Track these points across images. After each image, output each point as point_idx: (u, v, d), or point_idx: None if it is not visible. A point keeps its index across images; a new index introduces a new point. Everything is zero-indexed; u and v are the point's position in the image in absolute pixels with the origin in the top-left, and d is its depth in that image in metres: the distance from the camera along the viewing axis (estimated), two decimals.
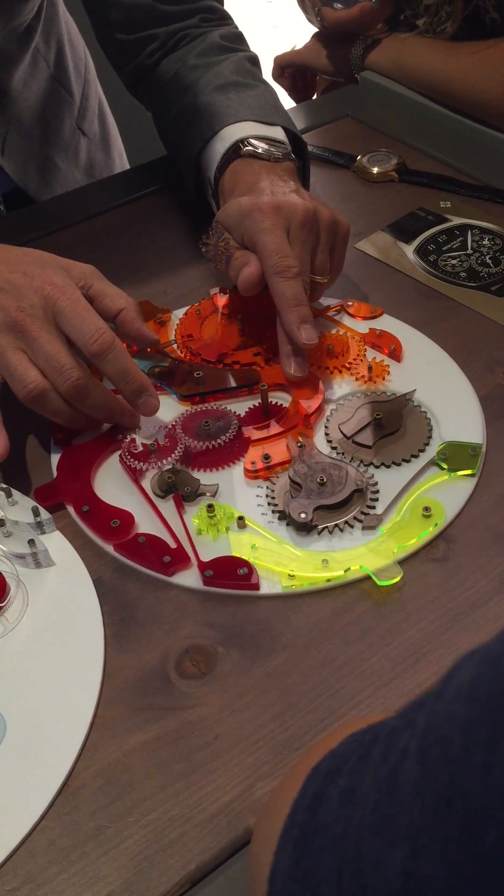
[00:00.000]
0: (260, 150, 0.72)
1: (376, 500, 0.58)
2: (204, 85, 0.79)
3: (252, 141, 0.72)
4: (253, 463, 0.60)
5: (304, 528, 0.57)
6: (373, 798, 0.28)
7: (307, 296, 0.63)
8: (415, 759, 0.27)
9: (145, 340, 0.65)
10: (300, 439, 0.61)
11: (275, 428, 0.63)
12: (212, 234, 0.67)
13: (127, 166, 1.15)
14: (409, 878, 0.26)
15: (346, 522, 0.57)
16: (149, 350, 0.69)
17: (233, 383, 0.66)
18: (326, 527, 0.57)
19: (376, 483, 0.59)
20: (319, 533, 0.57)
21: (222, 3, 0.88)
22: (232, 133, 0.74)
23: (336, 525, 0.57)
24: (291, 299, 0.62)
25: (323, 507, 0.57)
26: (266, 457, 0.60)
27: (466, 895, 0.24)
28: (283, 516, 0.58)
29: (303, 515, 0.56)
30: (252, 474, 0.60)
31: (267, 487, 0.60)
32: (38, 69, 0.96)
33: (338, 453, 0.62)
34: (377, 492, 0.59)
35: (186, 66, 0.81)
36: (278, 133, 0.75)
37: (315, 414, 0.64)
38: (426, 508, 0.57)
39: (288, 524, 0.57)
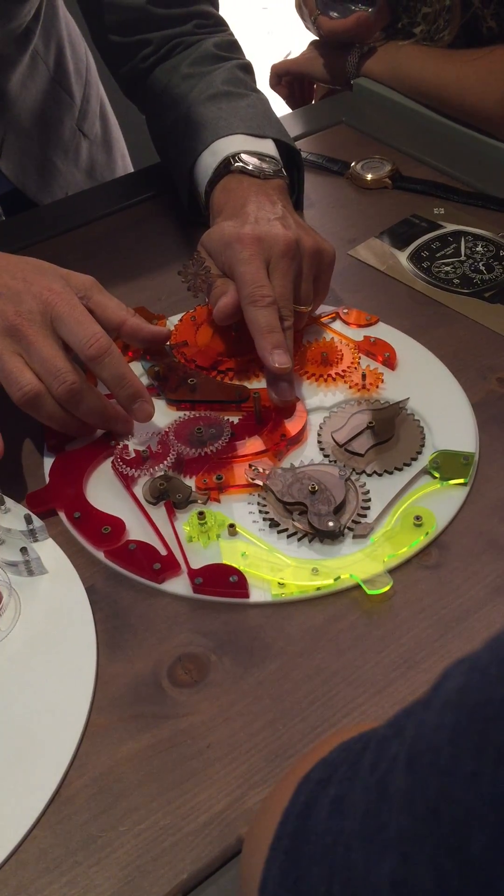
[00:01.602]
0: (251, 167, 0.72)
1: (368, 508, 0.58)
2: (196, 95, 0.79)
3: (243, 157, 0.73)
4: (204, 481, 0.60)
5: (334, 536, 0.57)
6: (362, 807, 0.28)
7: (287, 324, 0.64)
8: (404, 767, 0.27)
9: (159, 338, 0.66)
10: (258, 468, 0.60)
11: (259, 444, 0.62)
12: (191, 264, 0.68)
13: (129, 167, 1.14)
14: (398, 886, 0.26)
15: (358, 514, 0.57)
16: (147, 357, 0.69)
17: (223, 396, 0.66)
18: (348, 527, 0.57)
19: (368, 491, 0.59)
20: (344, 535, 0.57)
21: (217, 9, 0.88)
22: (223, 147, 0.74)
23: (352, 520, 0.57)
24: (264, 326, 0.62)
25: (335, 508, 0.57)
26: (218, 476, 0.60)
27: None
28: (306, 535, 0.57)
29: (331, 524, 0.56)
30: (202, 492, 0.60)
31: (259, 496, 0.60)
32: (37, 71, 0.96)
33: (330, 461, 0.62)
34: (369, 500, 0.59)
35: (179, 75, 0.81)
36: (269, 147, 0.76)
37: (296, 436, 0.63)
38: (417, 517, 0.57)
39: (311, 540, 0.57)
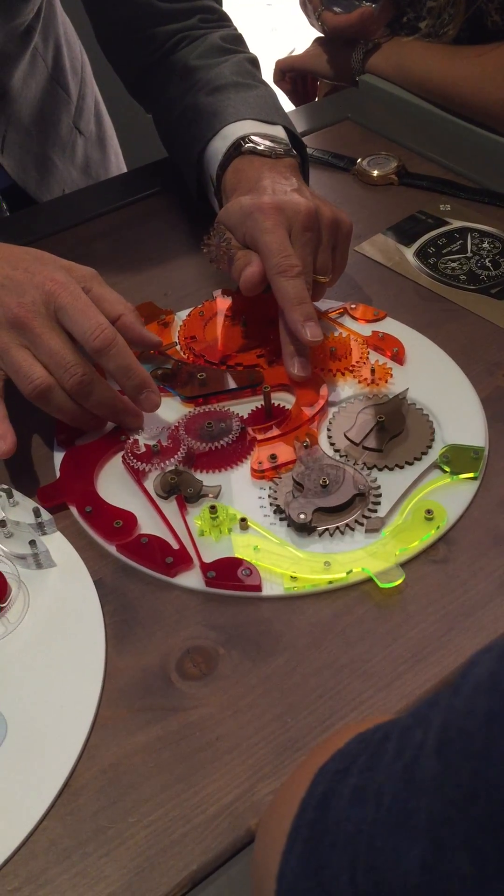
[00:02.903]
0: (262, 147, 0.72)
1: (378, 502, 0.58)
2: (204, 85, 0.79)
3: (253, 138, 0.73)
4: (260, 463, 0.60)
5: (304, 530, 0.57)
6: (388, 794, 0.28)
7: (310, 295, 0.63)
8: (433, 753, 0.27)
9: (148, 343, 0.65)
10: (307, 439, 0.61)
11: (276, 431, 0.63)
12: (213, 235, 0.67)
13: (123, 164, 1.15)
14: (429, 871, 0.26)
15: (346, 525, 0.57)
16: (152, 352, 0.69)
17: (235, 385, 0.66)
18: (327, 529, 0.57)
19: (379, 486, 0.59)
20: (320, 535, 0.57)
21: (220, 4, 0.88)
22: (233, 131, 0.74)
23: (336, 527, 0.57)
24: (294, 297, 0.62)
25: (323, 509, 0.57)
26: (273, 457, 0.60)
27: (494, 886, 0.24)
28: (284, 515, 0.58)
29: (302, 516, 0.56)
30: (259, 474, 0.60)
31: (270, 489, 0.60)
32: (36, 68, 0.96)
33: (340, 456, 0.62)
34: (380, 494, 0.59)
35: (187, 67, 0.81)
36: (279, 131, 0.75)
37: (317, 416, 0.64)
38: (428, 511, 0.57)
39: (289, 525, 0.57)
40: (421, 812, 0.27)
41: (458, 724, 0.27)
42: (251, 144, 0.72)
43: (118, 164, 1.14)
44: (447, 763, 0.26)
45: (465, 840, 0.25)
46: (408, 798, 0.27)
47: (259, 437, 0.63)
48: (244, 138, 0.73)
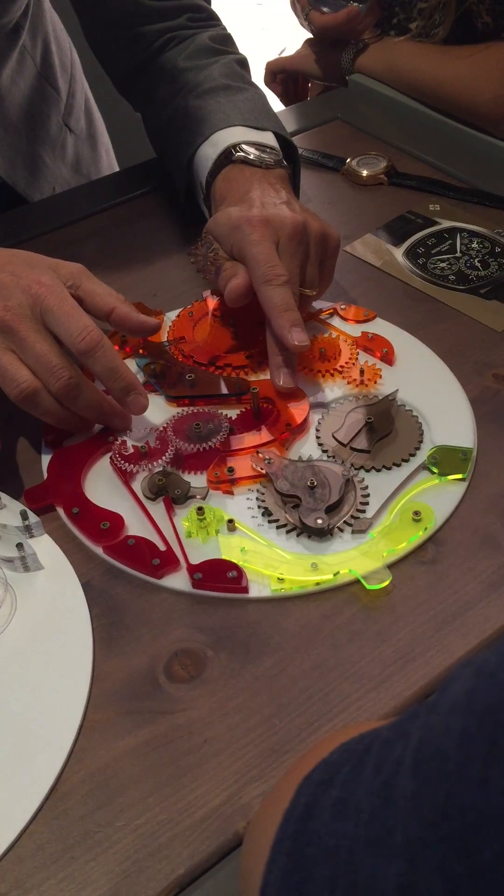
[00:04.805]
0: (252, 157, 0.72)
1: (367, 503, 0.58)
2: (193, 88, 0.79)
3: (244, 147, 0.73)
4: (216, 474, 0.60)
5: (322, 534, 0.57)
6: (367, 811, 0.28)
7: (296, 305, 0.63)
8: (410, 772, 0.27)
9: (148, 329, 0.65)
10: (266, 456, 0.60)
11: (263, 435, 0.63)
12: (200, 246, 0.68)
13: (114, 161, 1.15)
14: (404, 891, 0.26)
15: (351, 516, 0.57)
16: (141, 352, 0.69)
17: (223, 390, 0.66)
18: (338, 526, 0.57)
19: (367, 487, 0.59)
20: (332, 534, 0.57)
21: (209, 3, 0.88)
22: (223, 138, 0.74)
23: (344, 521, 0.57)
24: (280, 305, 0.62)
25: (329, 507, 0.57)
26: (230, 469, 0.60)
27: None
28: (295, 529, 0.57)
29: (320, 521, 0.56)
30: (214, 485, 0.60)
31: (258, 490, 0.59)
32: (25, 66, 0.96)
33: (329, 457, 0.62)
34: (368, 495, 0.59)
35: (176, 69, 0.81)
36: (269, 138, 0.75)
37: (300, 426, 0.63)
38: (416, 512, 0.57)
39: (299, 534, 0.57)
40: (398, 831, 0.26)
41: (433, 743, 0.26)
42: (242, 154, 0.72)
43: (109, 162, 1.13)
44: (423, 782, 0.26)
45: (439, 863, 0.25)
46: (386, 816, 0.27)
47: (222, 450, 0.62)
48: (235, 146, 0.73)
